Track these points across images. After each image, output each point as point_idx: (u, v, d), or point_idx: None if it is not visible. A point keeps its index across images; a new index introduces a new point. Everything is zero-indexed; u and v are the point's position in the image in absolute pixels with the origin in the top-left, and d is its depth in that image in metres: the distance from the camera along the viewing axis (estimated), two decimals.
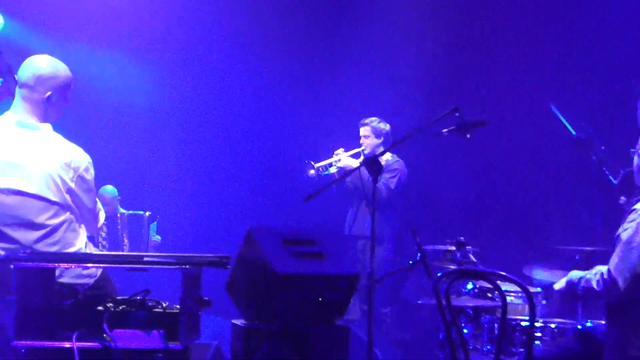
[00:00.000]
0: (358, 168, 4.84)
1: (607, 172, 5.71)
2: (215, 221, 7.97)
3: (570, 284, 3.90)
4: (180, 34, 7.89)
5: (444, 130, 4.40)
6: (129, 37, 7.68)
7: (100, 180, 3.90)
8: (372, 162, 4.31)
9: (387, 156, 6.75)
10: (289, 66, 8.08)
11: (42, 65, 3.64)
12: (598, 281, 3.74)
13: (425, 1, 7.95)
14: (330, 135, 7.58)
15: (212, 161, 8.13)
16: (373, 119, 6.84)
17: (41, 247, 3.51)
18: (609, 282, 3.69)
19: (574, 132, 5.77)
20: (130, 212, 7.48)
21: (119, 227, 7.30)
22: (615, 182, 5.65)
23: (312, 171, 6.81)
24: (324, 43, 8.09)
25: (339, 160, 6.76)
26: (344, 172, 6.15)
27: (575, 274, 3.93)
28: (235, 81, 8.08)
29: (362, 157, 6.56)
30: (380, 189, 6.49)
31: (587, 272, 3.88)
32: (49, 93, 3.62)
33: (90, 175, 3.66)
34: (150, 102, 7.87)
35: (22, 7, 6.94)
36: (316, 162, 6.78)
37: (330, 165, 6.75)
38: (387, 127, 6.84)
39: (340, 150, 6.77)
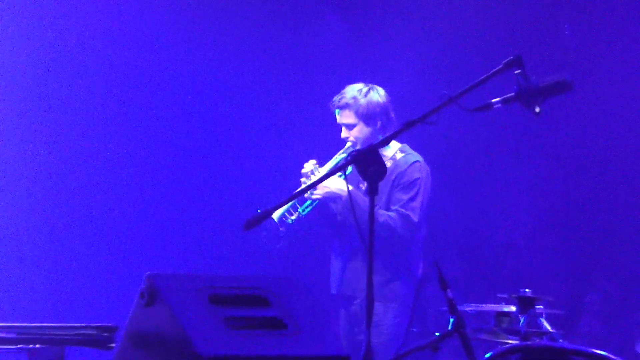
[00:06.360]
0: (342, 168, 4.74)
1: None
2: (92, 268, 7.96)
3: None
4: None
5: (495, 100, 4.38)
6: None
7: None
8: (365, 158, 4.30)
9: (393, 149, 6.59)
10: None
11: None
12: None
13: None
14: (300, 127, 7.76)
15: (95, 161, 8.23)
16: (354, 89, 6.54)
17: None
18: None
19: None
20: None
21: None
22: None
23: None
24: None
25: (315, 184, 6.24)
26: (319, 181, 6.04)
27: None
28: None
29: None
30: (392, 224, 6.35)
31: None
32: None
33: None
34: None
35: None
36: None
37: (302, 200, 6.47)
38: (383, 96, 6.57)
39: (311, 164, 6.52)
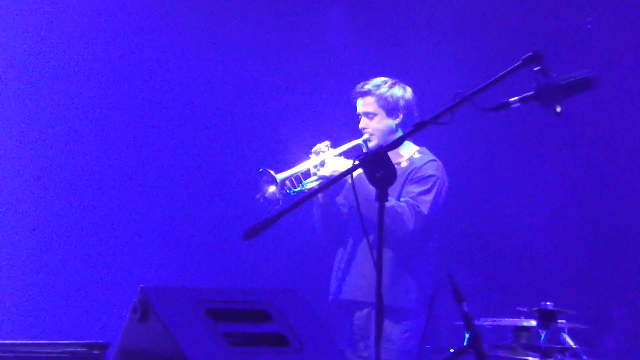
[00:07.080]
0: (348, 172, 4.68)
1: None
2: (82, 281, 7.89)
3: None
4: None
5: (513, 99, 4.33)
6: None
7: None
8: (375, 161, 4.28)
9: (410, 150, 6.71)
10: None
11: None
12: None
13: None
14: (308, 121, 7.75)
15: (79, 166, 8.15)
16: (379, 79, 6.74)
17: None
18: None
19: None
20: None
21: None
22: None
23: (271, 188, 6.63)
24: None
25: (323, 163, 6.63)
26: (329, 183, 6.07)
27: None
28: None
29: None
30: (401, 214, 6.43)
31: None
32: None
33: None
34: None
35: None
36: (280, 169, 6.61)
37: (307, 174, 6.62)
38: (409, 92, 6.75)
39: (324, 145, 6.70)
